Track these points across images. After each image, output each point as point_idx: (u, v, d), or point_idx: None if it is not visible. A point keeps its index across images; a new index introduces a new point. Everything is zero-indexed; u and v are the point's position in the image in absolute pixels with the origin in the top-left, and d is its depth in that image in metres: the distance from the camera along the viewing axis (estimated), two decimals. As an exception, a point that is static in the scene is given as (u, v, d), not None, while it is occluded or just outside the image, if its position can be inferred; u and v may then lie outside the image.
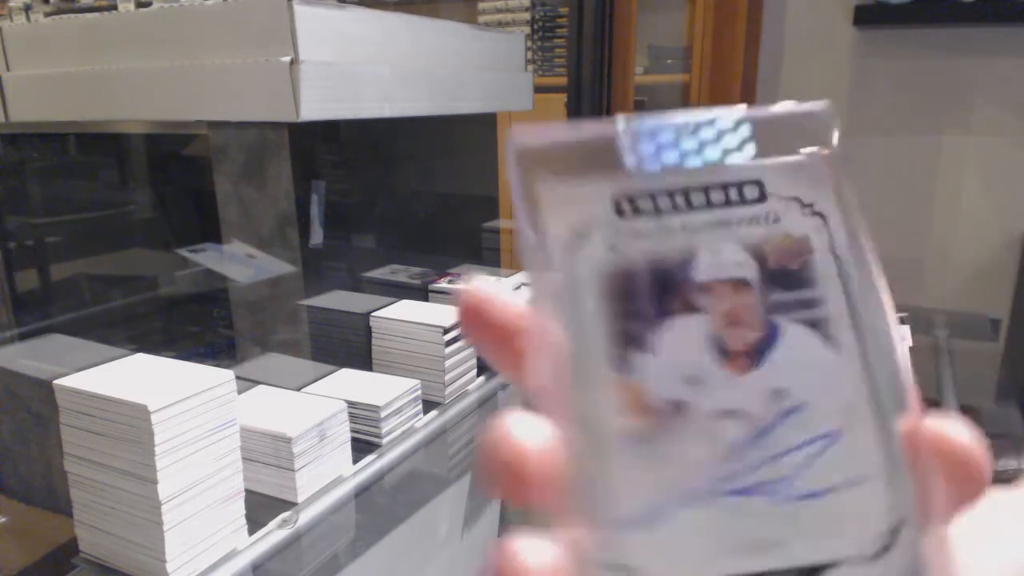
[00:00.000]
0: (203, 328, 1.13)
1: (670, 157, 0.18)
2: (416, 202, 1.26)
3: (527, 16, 2.28)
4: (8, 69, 0.94)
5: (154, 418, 0.56)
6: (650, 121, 0.18)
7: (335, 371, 0.87)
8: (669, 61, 2.21)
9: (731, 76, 2.01)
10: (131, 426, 0.57)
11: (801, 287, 0.17)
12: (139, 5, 0.91)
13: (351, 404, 0.77)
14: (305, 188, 0.93)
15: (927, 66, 1.96)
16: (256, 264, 0.90)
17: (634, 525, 0.15)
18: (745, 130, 0.18)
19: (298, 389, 0.81)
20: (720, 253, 0.17)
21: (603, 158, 0.18)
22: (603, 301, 0.17)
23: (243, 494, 0.65)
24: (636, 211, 0.17)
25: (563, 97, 1.85)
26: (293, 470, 0.69)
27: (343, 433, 0.75)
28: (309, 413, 0.72)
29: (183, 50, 0.78)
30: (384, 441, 0.80)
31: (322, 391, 0.81)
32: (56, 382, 0.60)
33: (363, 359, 0.92)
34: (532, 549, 0.15)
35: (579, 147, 0.18)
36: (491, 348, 0.18)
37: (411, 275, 1.10)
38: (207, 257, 0.98)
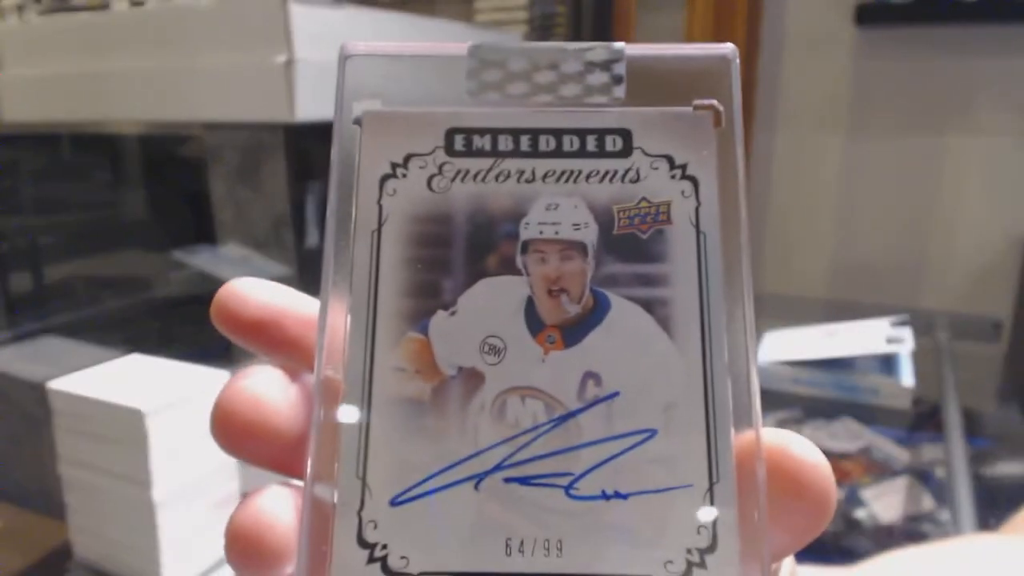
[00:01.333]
0: (198, 329, 1.12)
1: (519, 89, 0.15)
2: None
3: (524, 15, 2.28)
4: (1, 70, 0.93)
5: (148, 421, 0.55)
6: (503, 47, 0.15)
7: (332, 373, 0.86)
8: (668, 61, 2.20)
9: (731, 76, 2.01)
10: (125, 430, 0.56)
11: (647, 260, 0.15)
12: (133, 4, 0.90)
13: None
14: (300, 189, 0.92)
15: (930, 66, 1.95)
16: (251, 265, 0.90)
17: (393, 499, 0.14)
18: (620, 69, 0.15)
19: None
20: (557, 209, 0.15)
21: (443, 84, 0.15)
22: (409, 245, 0.15)
23: (239, 498, 0.64)
24: (470, 147, 0.15)
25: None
26: (289, 474, 0.69)
27: (340, 436, 0.74)
28: (305, 416, 0.71)
29: (178, 50, 0.78)
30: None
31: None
32: (49, 385, 0.60)
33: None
34: (278, 506, 0.13)
35: (418, 68, 0.16)
36: (255, 342, 0.16)
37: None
38: (202, 259, 0.97)
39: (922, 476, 0.77)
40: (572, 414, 0.14)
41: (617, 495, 0.14)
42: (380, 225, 0.15)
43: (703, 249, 0.15)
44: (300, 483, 0.14)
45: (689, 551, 0.13)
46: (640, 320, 0.15)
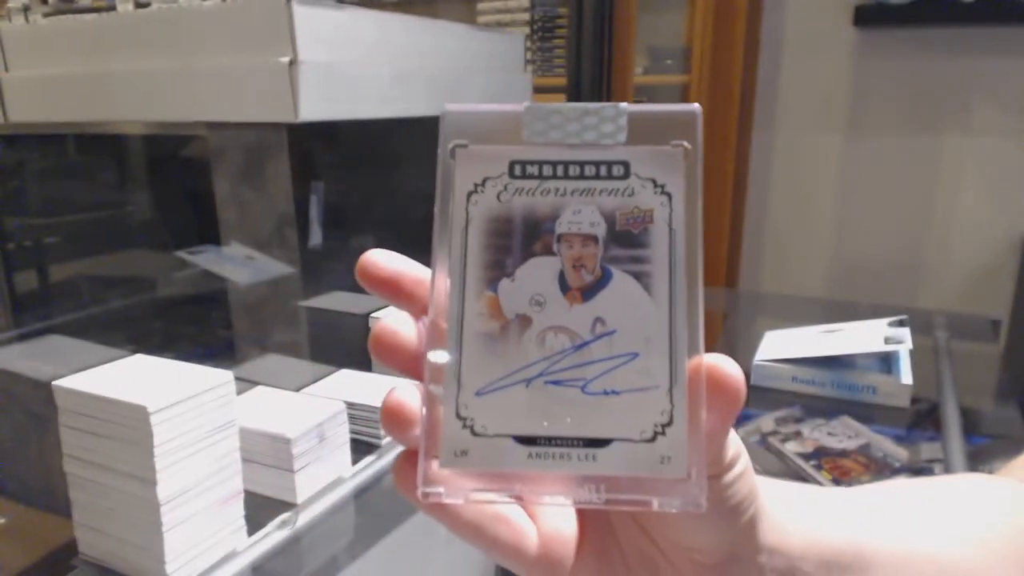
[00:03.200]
0: (202, 329, 1.13)
1: (556, 135, 0.23)
2: (414, 202, 1.26)
3: (526, 17, 2.28)
4: (7, 70, 0.93)
5: (153, 419, 0.56)
6: (547, 107, 0.23)
7: (334, 371, 0.87)
8: (669, 61, 2.21)
9: (731, 76, 2.01)
10: (130, 427, 0.57)
11: (637, 247, 0.22)
12: (138, 6, 0.91)
13: (350, 405, 0.77)
14: (304, 189, 0.92)
15: (927, 66, 1.96)
16: (255, 265, 0.90)
17: (477, 393, 0.22)
18: (623, 121, 0.22)
19: (297, 390, 0.81)
20: (579, 213, 0.22)
21: (508, 130, 0.23)
22: (485, 236, 0.22)
23: (242, 495, 0.64)
24: (524, 173, 0.23)
25: (562, 97, 1.85)
26: (292, 471, 0.69)
27: (343, 434, 0.75)
28: (308, 414, 0.72)
29: (182, 51, 0.78)
30: (384, 442, 0.80)
31: (321, 392, 0.81)
32: (55, 383, 0.60)
33: (362, 359, 0.92)
34: (410, 394, 0.22)
35: (493, 120, 0.23)
36: (384, 294, 0.23)
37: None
38: (206, 259, 0.98)
39: (921, 474, 0.77)
40: (586, 343, 0.22)
41: (613, 392, 0.22)
42: (467, 224, 0.22)
43: (673, 241, 0.22)
44: (420, 383, 0.22)
45: (656, 425, 0.21)
46: (631, 285, 0.22)
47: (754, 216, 2.24)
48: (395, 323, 0.22)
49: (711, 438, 0.22)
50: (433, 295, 0.22)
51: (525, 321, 0.22)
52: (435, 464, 0.21)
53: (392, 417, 0.22)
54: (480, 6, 2.33)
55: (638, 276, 0.22)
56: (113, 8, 0.93)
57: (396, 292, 0.23)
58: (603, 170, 0.22)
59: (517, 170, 0.22)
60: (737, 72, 2.01)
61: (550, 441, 0.21)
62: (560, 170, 0.22)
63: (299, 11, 0.71)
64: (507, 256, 0.22)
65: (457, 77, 1.02)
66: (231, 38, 0.75)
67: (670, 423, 0.21)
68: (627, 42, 1.83)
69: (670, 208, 0.22)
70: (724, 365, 0.22)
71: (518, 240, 0.22)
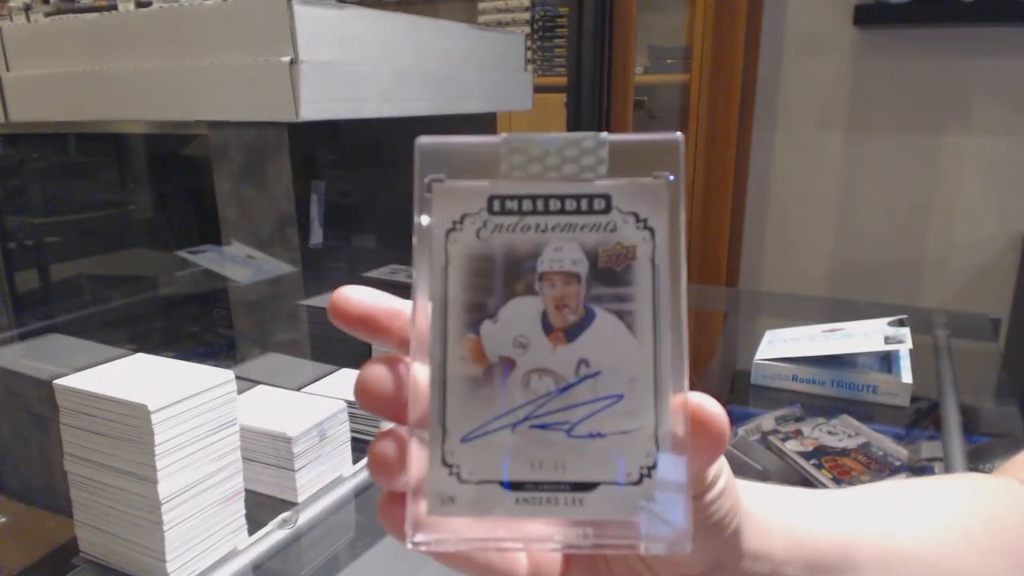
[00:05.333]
0: (203, 328, 1.13)
1: (536, 168, 0.22)
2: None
3: (527, 16, 2.28)
4: (8, 69, 0.93)
5: (154, 418, 0.56)
6: (525, 138, 0.22)
7: (335, 371, 0.87)
8: (669, 61, 2.21)
9: (731, 76, 2.01)
10: (131, 426, 0.57)
11: (620, 285, 0.21)
12: (139, 5, 0.91)
13: (351, 404, 0.77)
14: (305, 188, 0.93)
15: (927, 66, 1.96)
16: (256, 264, 0.90)
17: (462, 439, 0.21)
18: (603, 153, 0.22)
19: (298, 389, 0.81)
20: (561, 250, 0.22)
21: (486, 164, 0.22)
22: (466, 276, 0.22)
23: (243, 494, 0.65)
24: (503, 209, 0.22)
25: (563, 97, 1.85)
26: (293, 470, 0.69)
27: (343, 433, 0.75)
28: (309, 413, 0.72)
29: (183, 50, 0.78)
30: (384, 441, 0.80)
31: (322, 391, 0.81)
32: (56, 382, 0.60)
33: (363, 359, 0.92)
34: (396, 443, 0.22)
35: (469, 152, 0.22)
36: (359, 331, 0.23)
37: (411, 275, 1.09)
38: (207, 258, 0.98)
39: (921, 473, 0.77)
40: (571, 385, 0.21)
41: (599, 435, 0.21)
42: (447, 264, 0.22)
43: (656, 277, 0.21)
44: (404, 428, 0.22)
45: (642, 467, 0.21)
46: (615, 325, 0.21)
47: (754, 215, 2.24)
48: (377, 371, 0.22)
49: (694, 477, 0.22)
50: (414, 337, 0.22)
51: (509, 364, 0.21)
52: (423, 511, 0.21)
53: (380, 467, 0.22)
54: (481, 5, 2.33)
55: (621, 315, 0.21)
56: (114, 7, 0.93)
57: (372, 329, 0.23)
58: (584, 204, 0.22)
59: (496, 206, 0.22)
60: (738, 71, 2.01)
61: (537, 486, 0.21)
62: (540, 204, 0.22)
63: (300, 10, 0.71)
64: (488, 297, 0.21)
65: (457, 76, 1.02)
66: (232, 37, 0.75)
67: (655, 466, 0.21)
68: (627, 41, 1.83)
69: (653, 244, 0.21)
70: (708, 406, 0.21)
71: (499, 280, 0.21)
